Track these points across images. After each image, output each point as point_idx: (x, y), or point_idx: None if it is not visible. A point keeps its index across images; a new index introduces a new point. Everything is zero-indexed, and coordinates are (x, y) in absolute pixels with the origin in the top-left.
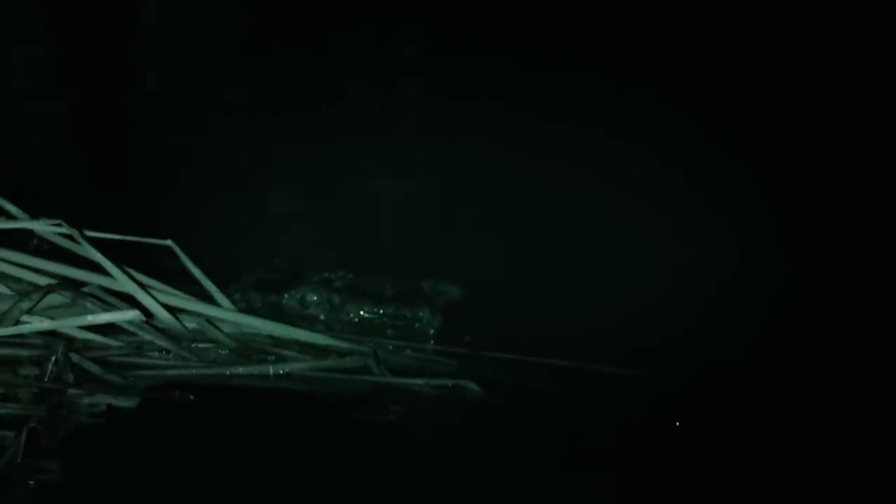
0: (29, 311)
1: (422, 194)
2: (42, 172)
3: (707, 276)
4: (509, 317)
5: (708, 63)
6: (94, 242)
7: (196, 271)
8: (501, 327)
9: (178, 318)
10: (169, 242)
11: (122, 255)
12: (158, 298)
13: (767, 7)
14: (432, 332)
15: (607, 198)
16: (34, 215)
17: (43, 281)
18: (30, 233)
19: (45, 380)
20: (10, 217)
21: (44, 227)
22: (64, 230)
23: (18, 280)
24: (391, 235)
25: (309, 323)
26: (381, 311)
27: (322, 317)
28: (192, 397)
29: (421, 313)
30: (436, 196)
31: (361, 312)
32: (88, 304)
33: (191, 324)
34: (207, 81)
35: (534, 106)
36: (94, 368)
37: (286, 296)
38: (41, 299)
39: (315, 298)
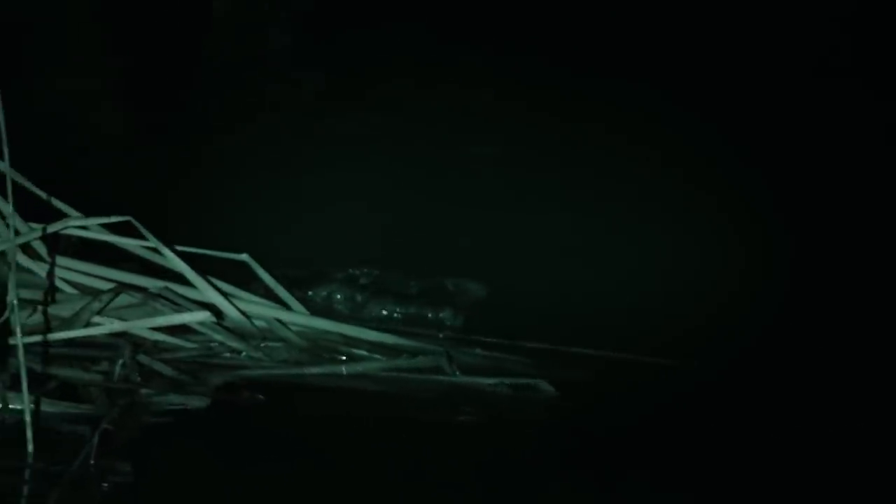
0: (100, 312)
1: (450, 193)
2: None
3: (738, 270)
4: (533, 313)
5: (731, 72)
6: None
7: (270, 280)
8: (528, 322)
9: (248, 318)
10: (245, 257)
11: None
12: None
13: (774, 11)
14: (451, 330)
15: (635, 197)
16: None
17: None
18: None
19: (116, 380)
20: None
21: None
22: (152, 243)
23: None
24: (417, 233)
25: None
26: (403, 311)
27: (346, 313)
28: (262, 398)
29: (442, 314)
30: (463, 195)
31: (384, 311)
32: (158, 305)
33: (260, 324)
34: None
35: (560, 109)
36: (165, 369)
37: (310, 293)
38: (111, 300)
39: (339, 296)
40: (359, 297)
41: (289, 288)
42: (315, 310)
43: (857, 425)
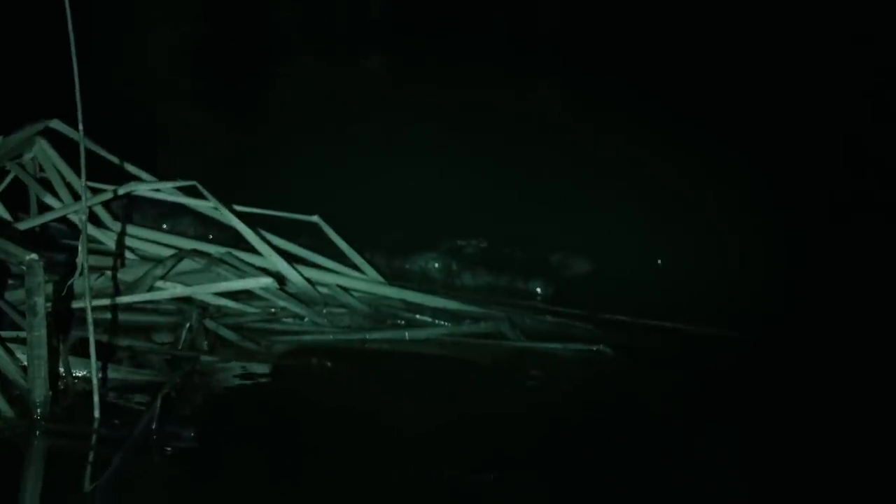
0: (163, 278)
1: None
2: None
3: (785, 255)
4: (625, 287)
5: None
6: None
7: (342, 244)
8: (619, 294)
9: (312, 284)
10: (315, 218)
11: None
12: (291, 262)
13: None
14: (543, 300)
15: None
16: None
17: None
18: None
19: (179, 346)
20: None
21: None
22: (213, 204)
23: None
24: (530, 207)
25: (428, 286)
26: (495, 281)
27: (440, 281)
28: (328, 363)
29: (533, 284)
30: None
31: (477, 281)
32: (222, 271)
33: (324, 289)
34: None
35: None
36: (229, 334)
37: (409, 260)
38: (175, 265)
39: (437, 265)
40: (454, 266)
41: (388, 257)
42: (410, 277)
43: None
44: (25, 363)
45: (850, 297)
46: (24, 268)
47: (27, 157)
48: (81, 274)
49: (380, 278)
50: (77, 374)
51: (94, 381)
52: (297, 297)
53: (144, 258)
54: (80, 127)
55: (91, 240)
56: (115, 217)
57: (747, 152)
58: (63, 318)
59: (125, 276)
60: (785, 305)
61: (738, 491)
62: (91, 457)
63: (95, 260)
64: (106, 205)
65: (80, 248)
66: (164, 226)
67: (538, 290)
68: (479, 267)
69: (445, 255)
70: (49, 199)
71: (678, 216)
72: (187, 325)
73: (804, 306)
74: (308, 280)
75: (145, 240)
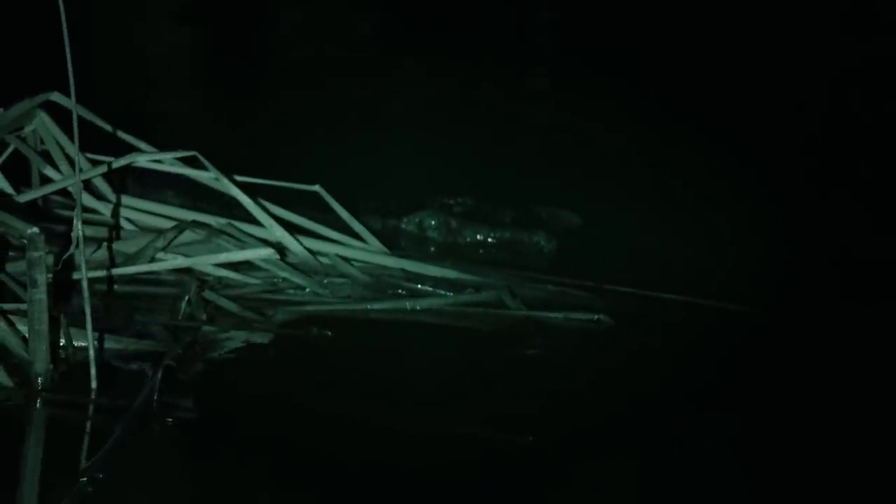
0: (164, 249)
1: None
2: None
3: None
4: (623, 252)
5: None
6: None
7: (345, 213)
8: (615, 261)
9: (313, 254)
10: (317, 188)
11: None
12: (292, 232)
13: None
14: (546, 255)
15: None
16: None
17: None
18: None
19: (180, 317)
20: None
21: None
22: (214, 175)
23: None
24: (513, 164)
25: (426, 246)
26: (498, 235)
27: (439, 240)
28: (329, 333)
29: (536, 237)
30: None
31: (478, 236)
32: (223, 242)
33: (325, 259)
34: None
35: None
36: (230, 305)
37: (405, 220)
38: (176, 237)
39: (433, 222)
40: (453, 223)
41: (383, 217)
42: (406, 237)
43: None
44: (26, 334)
45: (851, 278)
46: (25, 241)
47: (28, 129)
48: (77, 246)
49: (382, 247)
50: (78, 344)
51: (91, 352)
52: (298, 268)
53: (145, 229)
54: (72, 93)
55: (92, 211)
56: (116, 189)
57: (747, 132)
58: (64, 290)
59: (126, 247)
60: (789, 281)
61: (735, 459)
62: (91, 427)
63: (96, 231)
64: (107, 177)
65: (75, 219)
66: (178, 202)
67: (542, 243)
68: (479, 223)
69: (437, 212)
70: (49, 172)
71: (677, 192)
72: (188, 296)
73: (808, 282)
74: (309, 250)
75: (146, 211)
